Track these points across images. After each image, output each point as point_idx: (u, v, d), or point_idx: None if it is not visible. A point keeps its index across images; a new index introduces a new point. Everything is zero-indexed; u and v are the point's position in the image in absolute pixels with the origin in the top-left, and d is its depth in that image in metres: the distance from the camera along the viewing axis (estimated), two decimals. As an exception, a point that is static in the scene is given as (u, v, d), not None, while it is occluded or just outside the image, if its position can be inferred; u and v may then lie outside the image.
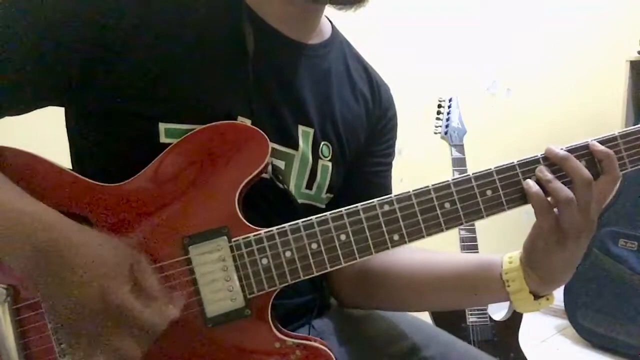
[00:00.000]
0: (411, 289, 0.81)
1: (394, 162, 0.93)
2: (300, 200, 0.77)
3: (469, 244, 1.58)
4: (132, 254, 0.60)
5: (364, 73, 0.87)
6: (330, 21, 0.85)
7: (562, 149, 0.67)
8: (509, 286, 0.71)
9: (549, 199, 0.66)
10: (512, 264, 0.72)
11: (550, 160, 0.67)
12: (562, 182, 0.65)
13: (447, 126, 1.68)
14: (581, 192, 0.64)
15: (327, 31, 0.83)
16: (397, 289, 0.82)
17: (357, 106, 0.84)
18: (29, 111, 0.67)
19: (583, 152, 0.67)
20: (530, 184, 0.66)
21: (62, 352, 0.62)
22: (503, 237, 1.68)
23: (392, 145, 0.92)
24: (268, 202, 0.74)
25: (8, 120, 0.66)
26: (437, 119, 1.71)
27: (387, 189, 0.91)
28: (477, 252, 1.57)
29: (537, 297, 0.71)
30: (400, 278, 0.81)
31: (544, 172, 0.66)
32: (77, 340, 0.57)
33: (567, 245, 0.66)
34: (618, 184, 0.66)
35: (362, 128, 0.85)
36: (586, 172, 0.65)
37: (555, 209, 0.66)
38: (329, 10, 0.78)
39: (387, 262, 0.82)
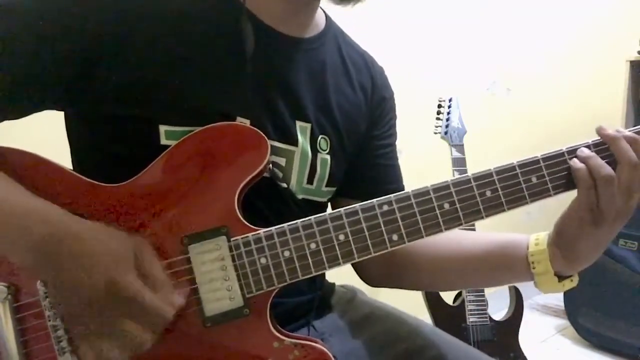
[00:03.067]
0: (437, 270, 0.82)
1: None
2: (300, 196, 0.78)
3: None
4: (134, 242, 0.60)
5: (360, 61, 0.87)
6: (324, 11, 0.85)
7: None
8: (534, 268, 0.72)
9: None
10: (539, 246, 0.72)
11: (552, 160, 0.67)
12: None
13: (447, 126, 1.68)
14: (626, 174, 0.65)
15: (321, 22, 0.83)
16: (423, 270, 0.83)
17: (355, 96, 0.84)
18: (27, 115, 0.67)
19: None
20: (576, 161, 0.66)
21: (62, 350, 0.62)
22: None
23: (394, 126, 0.92)
24: (267, 201, 0.74)
25: (8, 121, 0.66)
26: (437, 119, 1.71)
27: (397, 169, 0.92)
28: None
29: (561, 278, 0.72)
30: (426, 259, 0.81)
31: (584, 151, 0.67)
32: (87, 328, 0.58)
33: (601, 227, 0.66)
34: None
35: (362, 117, 0.85)
36: (634, 155, 0.65)
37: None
38: (327, 4, 0.78)
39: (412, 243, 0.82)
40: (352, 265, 0.87)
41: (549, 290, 0.73)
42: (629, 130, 0.67)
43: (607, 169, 0.65)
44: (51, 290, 0.60)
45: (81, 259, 0.56)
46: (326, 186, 0.81)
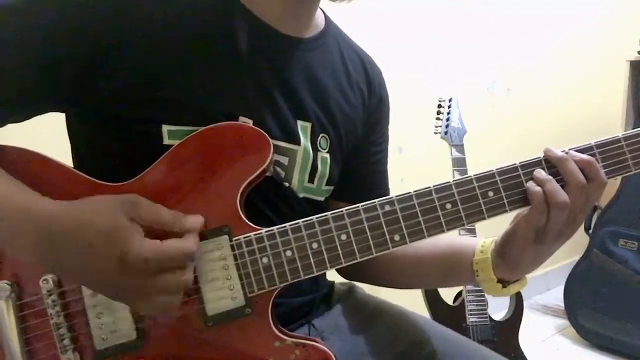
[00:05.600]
0: (393, 269, 0.85)
1: (394, 162, 0.94)
2: (301, 195, 0.78)
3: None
4: (124, 202, 0.59)
5: (358, 62, 0.87)
6: (323, 11, 0.85)
7: (562, 151, 0.67)
8: (477, 275, 0.74)
9: None
10: (483, 254, 0.74)
11: (550, 162, 0.67)
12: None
13: (447, 126, 1.68)
14: (574, 196, 0.65)
15: (320, 22, 0.83)
16: (382, 268, 0.85)
17: (355, 96, 0.85)
18: (29, 119, 0.68)
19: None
20: (533, 184, 0.67)
21: (64, 348, 0.62)
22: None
23: (387, 129, 0.94)
24: (269, 200, 0.74)
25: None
26: (437, 119, 1.71)
27: (386, 175, 0.94)
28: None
29: (506, 282, 0.74)
30: (385, 259, 0.80)
31: (541, 173, 0.67)
32: (127, 298, 0.59)
33: (544, 244, 0.68)
34: (604, 189, 0.68)
35: (360, 118, 0.86)
36: (581, 176, 0.65)
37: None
38: (324, 3, 0.79)
39: None
40: None
41: (495, 295, 0.75)
42: (622, 134, 0.68)
43: (564, 196, 0.65)
44: (69, 283, 0.62)
45: (82, 248, 0.56)
46: (326, 185, 0.82)
